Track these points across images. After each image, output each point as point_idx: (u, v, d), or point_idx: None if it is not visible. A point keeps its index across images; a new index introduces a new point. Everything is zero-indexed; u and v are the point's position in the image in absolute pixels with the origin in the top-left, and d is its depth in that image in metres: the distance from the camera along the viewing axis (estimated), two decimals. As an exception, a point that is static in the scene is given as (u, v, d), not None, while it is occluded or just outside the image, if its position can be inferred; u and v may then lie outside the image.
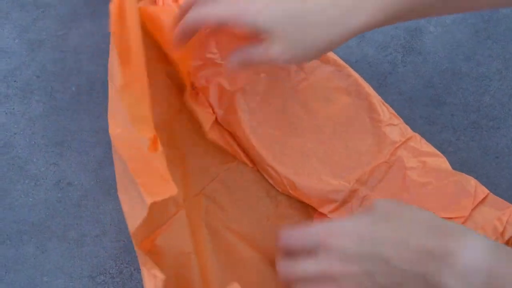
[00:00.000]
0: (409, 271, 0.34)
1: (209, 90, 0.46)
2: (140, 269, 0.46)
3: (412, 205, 0.37)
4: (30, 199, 0.48)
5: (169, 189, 0.33)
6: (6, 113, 0.50)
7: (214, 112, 0.46)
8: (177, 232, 0.44)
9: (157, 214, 0.43)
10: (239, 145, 0.47)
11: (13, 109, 0.51)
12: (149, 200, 0.32)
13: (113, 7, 0.35)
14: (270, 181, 0.47)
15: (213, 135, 0.46)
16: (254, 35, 0.36)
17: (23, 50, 0.52)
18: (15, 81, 0.51)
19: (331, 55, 0.48)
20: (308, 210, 0.46)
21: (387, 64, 0.52)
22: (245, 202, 0.47)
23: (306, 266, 0.38)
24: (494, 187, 0.45)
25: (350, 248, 0.36)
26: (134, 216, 0.34)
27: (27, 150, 0.49)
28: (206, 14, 0.37)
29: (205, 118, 0.45)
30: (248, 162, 0.47)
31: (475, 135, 0.50)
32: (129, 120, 0.33)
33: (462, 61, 0.53)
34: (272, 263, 0.45)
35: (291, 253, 0.39)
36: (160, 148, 0.34)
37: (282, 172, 0.45)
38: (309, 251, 0.38)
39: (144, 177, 0.33)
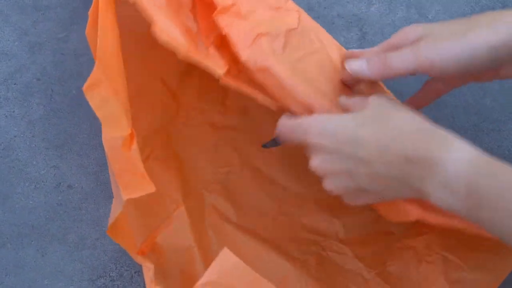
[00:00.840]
0: (391, 176, 0.34)
1: (232, 28, 0.42)
2: (140, 272, 0.46)
3: (403, 106, 0.36)
4: (30, 202, 0.48)
5: (146, 186, 0.34)
6: (6, 116, 0.50)
7: (238, 56, 0.43)
8: (177, 228, 0.44)
9: (154, 213, 0.43)
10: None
11: (13, 111, 0.50)
12: (125, 197, 0.32)
13: (90, 10, 0.36)
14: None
15: (228, 79, 0.43)
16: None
17: (23, 53, 0.52)
18: (15, 84, 0.51)
19: None
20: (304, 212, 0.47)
21: (387, 67, 0.52)
22: (246, 202, 0.47)
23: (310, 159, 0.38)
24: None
25: (329, 148, 0.35)
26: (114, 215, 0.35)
27: (27, 153, 0.49)
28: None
29: (218, 65, 0.42)
30: (269, 99, 0.43)
31: (476, 137, 0.50)
32: (100, 120, 0.33)
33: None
34: (277, 253, 0.45)
35: None
36: (134, 145, 0.34)
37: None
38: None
39: (124, 176, 0.34)
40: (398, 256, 0.44)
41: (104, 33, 0.34)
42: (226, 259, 0.32)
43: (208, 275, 0.32)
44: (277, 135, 0.40)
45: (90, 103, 0.33)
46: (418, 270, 0.43)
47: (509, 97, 0.51)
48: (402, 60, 0.35)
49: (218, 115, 0.49)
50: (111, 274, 0.46)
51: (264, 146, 0.46)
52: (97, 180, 0.49)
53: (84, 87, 0.32)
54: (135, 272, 0.46)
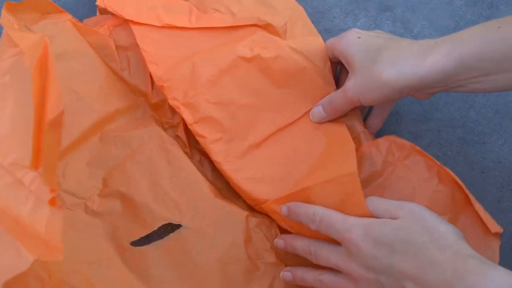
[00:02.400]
0: None
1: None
2: None
3: (439, 221, 0.36)
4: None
5: (55, 254, 0.34)
6: None
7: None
8: None
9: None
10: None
11: None
12: (31, 258, 0.32)
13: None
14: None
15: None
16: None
17: None
18: None
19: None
20: None
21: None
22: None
23: (329, 255, 0.39)
24: (479, 201, 0.46)
25: (369, 255, 0.36)
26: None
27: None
28: None
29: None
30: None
31: (461, 150, 0.51)
32: (42, 164, 0.34)
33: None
34: None
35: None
36: (58, 204, 0.35)
37: None
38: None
39: (23, 238, 0.34)
40: None
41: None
42: None
43: None
44: (290, 215, 0.41)
45: (47, 141, 0.34)
46: None
47: (494, 110, 0.52)
48: (341, 104, 0.44)
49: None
50: None
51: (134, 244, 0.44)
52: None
53: (50, 121, 0.34)
54: None
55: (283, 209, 0.41)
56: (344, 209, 0.38)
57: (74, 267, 0.42)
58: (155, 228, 0.44)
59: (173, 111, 0.48)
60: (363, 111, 0.50)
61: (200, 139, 0.45)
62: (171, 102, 0.45)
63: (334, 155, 0.43)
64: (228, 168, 0.44)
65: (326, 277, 0.39)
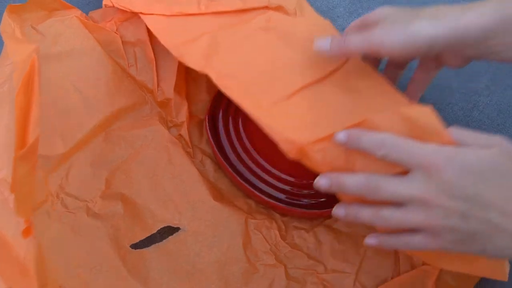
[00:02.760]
0: (504, 228, 0.33)
1: None
2: None
3: None
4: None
5: (29, 284, 0.33)
6: None
7: None
8: None
9: None
10: None
11: None
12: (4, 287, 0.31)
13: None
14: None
15: None
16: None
17: None
18: None
19: None
20: None
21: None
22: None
23: (397, 185, 0.34)
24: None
25: (454, 181, 0.33)
26: None
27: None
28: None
29: None
30: None
31: (464, 149, 0.51)
32: (14, 195, 0.32)
33: (451, 77, 0.53)
34: None
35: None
36: (32, 234, 0.34)
37: None
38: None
39: (3, 262, 0.33)
40: None
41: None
42: None
43: None
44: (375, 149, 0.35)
45: (16, 173, 0.32)
46: None
47: (497, 110, 0.52)
48: (358, 41, 0.39)
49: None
50: None
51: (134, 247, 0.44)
52: None
53: (18, 156, 0.31)
54: None
55: (340, 135, 0.35)
56: (420, 138, 0.34)
57: (74, 272, 0.42)
58: (155, 231, 0.44)
59: (178, 110, 0.48)
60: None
61: (227, 91, 0.40)
62: (192, 65, 0.41)
63: (386, 101, 0.39)
64: (260, 114, 0.38)
65: (387, 212, 0.35)
